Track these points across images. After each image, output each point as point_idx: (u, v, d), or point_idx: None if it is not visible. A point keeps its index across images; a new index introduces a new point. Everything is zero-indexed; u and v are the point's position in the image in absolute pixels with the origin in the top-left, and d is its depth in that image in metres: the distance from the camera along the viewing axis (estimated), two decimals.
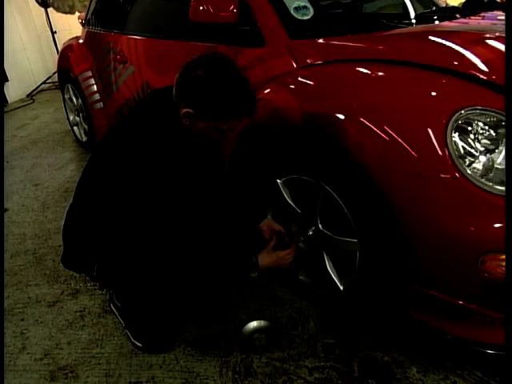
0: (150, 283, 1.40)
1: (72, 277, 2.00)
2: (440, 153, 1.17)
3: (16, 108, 5.26)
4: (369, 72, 1.43)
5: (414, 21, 1.93)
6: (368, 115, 1.30)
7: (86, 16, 3.35)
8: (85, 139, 3.59)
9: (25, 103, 5.44)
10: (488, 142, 1.19)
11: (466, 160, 1.17)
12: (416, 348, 1.48)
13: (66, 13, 5.60)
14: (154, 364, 1.52)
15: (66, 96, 3.69)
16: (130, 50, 2.63)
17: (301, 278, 1.74)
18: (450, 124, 1.18)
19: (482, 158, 1.17)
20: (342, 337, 1.56)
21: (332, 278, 1.60)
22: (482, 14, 2.03)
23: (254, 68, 1.71)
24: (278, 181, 1.66)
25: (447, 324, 1.33)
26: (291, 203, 1.67)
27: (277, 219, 1.69)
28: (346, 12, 2.05)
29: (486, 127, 1.19)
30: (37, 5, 5.43)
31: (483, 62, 1.36)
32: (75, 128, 3.74)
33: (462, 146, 1.18)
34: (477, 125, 1.19)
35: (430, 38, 1.61)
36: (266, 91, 1.60)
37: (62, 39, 4.39)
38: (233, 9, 1.69)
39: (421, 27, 1.84)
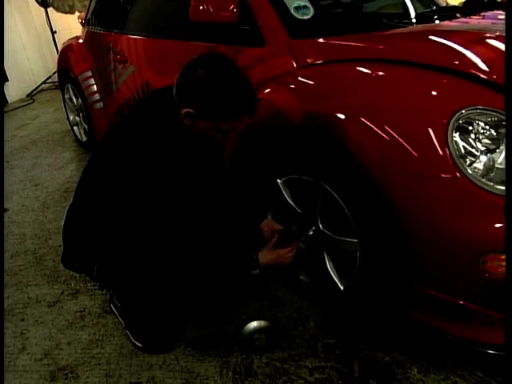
0: (150, 283, 1.40)
1: (72, 277, 2.00)
2: (441, 152, 1.17)
3: (16, 108, 5.26)
4: (369, 72, 1.43)
5: (414, 20, 1.93)
6: (368, 115, 1.30)
7: (86, 16, 3.35)
8: (85, 139, 3.59)
9: (25, 103, 5.44)
10: (489, 142, 1.19)
11: (467, 160, 1.17)
12: (417, 348, 1.48)
13: (65, 12, 5.60)
14: (155, 364, 1.51)
15: (66, 96, 3.69)
16: (129, 50, 2.62)
17: (301, 278, 1.73)
18: (451, 124, 1.18)
19: (483, 158, 1.17)
20: (342, 337, 1.56)
21: (332, 278, 1.60)
22: (483, 14, 2.02)
23: (254, 68, 1.70)
24: (279, 181, 1.66)
25: (448, 324, 1.33)
26: (291, 203, 1.66)
27: (277, 219, 1.69)
28: (347, 11, 2.04)
29: (487, 127, 1.19)
30: (37, 5, 5.43)
31: (484, 61, 1.36)
32: (75, 128, 3.74)
33: (463, 146, 1.18)
34: (477, 124, 1.19)
35: (431, 37, 1.61)
36: (266, 91, 1.60)
37: (62, 39, 4.38)
38: (233, 8, 1.69)
39: (421, 27, 1.84)
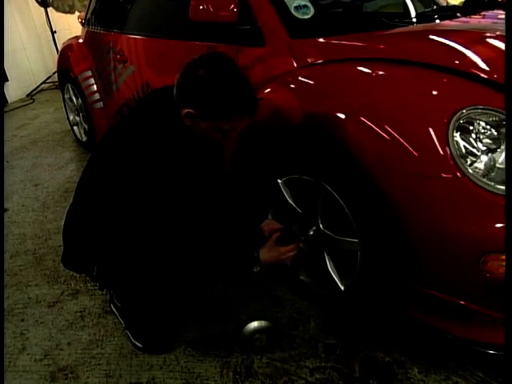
0: (151, 283, 1.40)
1: (72, 277, 2.00)
2: (441, 152, 1.16)
3: (16, 108, 5.26)
4: (369, 71, 1.42)
5: (414, 20, 1.93)
6: (369, 114, 1.29)
7: (86, 15, 3.35)
8: (85, 139, 3.59)
9: (25, 103, 5.44)
10: (490, 142, 1.18)
11: (468, 159, 1.17)
12: (417, 348, 1.47)
13: (65, 12, 5.61)
14: (155, 364, 1.51)
15: (66, 96, 3.69)
16: (129, 50, 2.62)
17: (302, 278, 1.73)
18: (452, 123, 1.17)
19: (484, 158, 1.17)
20: (342, 337, 1.55)
21: (333, 278, 1.60)
22: (483, 13, 2.02)
23: (255, 67, 1.70)
24: (279, 181, 1.65)
25: (448, 324, 1.33)
26: (292, 203, 1.66)
27: (277, 219, 1.68)
28: (347, 11, 2.04)
29: (488, 126, 1.19)
30: (36, 4, 5.44)
31: (484, 60, 1.36)
32: (75, 128, 3.74)
33: (464, 146, 1.18)
34: (478, 124, 1.19)
35: (431, 36, 1.61)
36: (267, 91, 1.60)
37: (62, 39, 4.38)
38: (233, 8, 1.69)
39: (422, 26, 1.84)
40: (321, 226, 1.58)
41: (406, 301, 1.40)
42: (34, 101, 5.54)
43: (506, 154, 1.10)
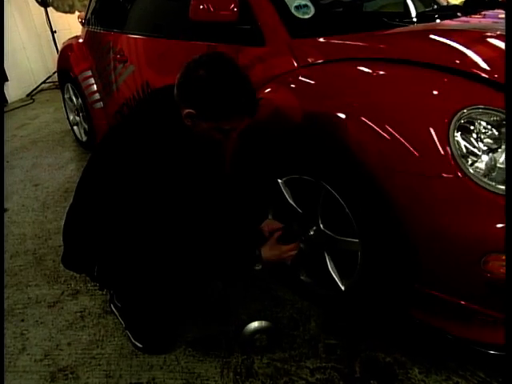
0: (151, 283, 1.40)
1: (72, 277, 1.99)
2: (442, 152, 1.16)
3: (16, 108, 5.25)
4: (370, 71, 1.42)
5: (415, 19, 1.92)
6: (369, 114, 1.29)
7: (86, 15, 3.34)
8: (85, 139, 3.58)
9: (25, 103, 5.43)
10: (491, 141, 1.18)
11: (469, 159, 1.16)
12: (418, 348, 1.47)
13: (65, 12, 5.60)
14: (155, 365, 1.51)
15: (66, 96, 3.68)
16: (129, 50, 2.62)
17: (302, 278, 1.73)
18: (453, 123, 1.17)
19: (485, 158, 1.17)
20: (343, 337, 1.55)
21: (333, 278, 1.59)
22: (483, 13, 2.02)
23: (255, 67, 1.70)
24: (279, 180, 1.65)
25: (449, 324, 1.33)
26: (292, 203, 1.66)
27: (278, 219, 1.68)
28: (347, 11, 2.03)
29: (489, 126, 1.19)
30: (36, 4, 5.43)
31: (485, 60, 1.35)
32: (75, 128, 3.74)
33: (465, 146, 1.18)
34: (479, 124, 1.19)
35: (432, 36, 1.60)
36: (267, 90, 1.59)
37: (62, 39, 4.38)
38: (233, 7, 1.68)
39: (422, 26, 1.83)
40: (321, 225, 1.58)
41: (406, 301, 1.40)
42: (33, 101, 5.54)
43: (506, 154, 1.10)
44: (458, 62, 1.36)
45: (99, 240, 1.37)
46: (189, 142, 1.31)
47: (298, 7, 1.74)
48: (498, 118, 1.18)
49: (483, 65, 1.33)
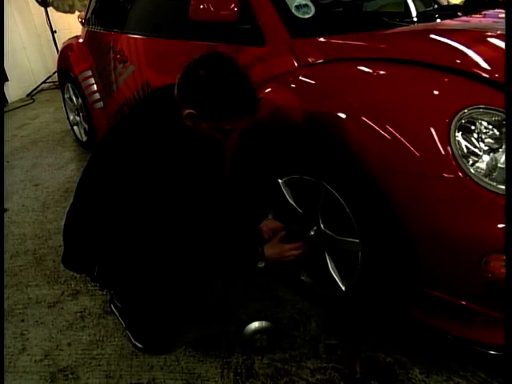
0: (152, 283, 1.40)
1: (72, 277, 1.99)
2: (443, 152, 1.16)
3: (16, 108, 5.25)
4: (370, 71, 1.42)
5: (415, 19, 1.92)
6: (370, 114, 1.29)
7: (86, 15, 3.34)
8: (85, 139, 3.58)
9: (25, 103, 5.43)
10: (492, 141, 1.18)
11: (470, 159, 1.16)
12: (419, 349, 1.47)
13: (65, 12, 5.59)
14: (155, 365, 1.51)
15: (66, 95, 3.68)
16: (130, 50, 2.62)
17: (302, 278, 1.73)
18: (453, 123, 1.17)
19: (486, 158, 1.16)
20: (344, 337, 1.55)
21: (334, 278, 1.59)
22: (484, 12, 2.02)
23: (255, 67, 1.69)
24: (280, 180, 1.65)
25: (450, 324, 1.32)
26: (292, 203, 1.66)
27: (278, 219, 1.68)
28: (348, 10, 2.03)
29: (490, 126, 1.18)
30: (36, 4, 5.43)
31: (485, 60, 1.35)
32: (75, 128, 3.73)
33: (466, 146, 1.17)
34: (480, 124, 1.18)
35: (432, 36, 1.60)
36: (267, 90, 1.59)
37: (62, 38, 4.38)
38: (233, 7, 1.68)
39: (422, 25, 1.83)
40: (322, 226, 1.57)
41: (407, 301, 1.39)
42: (34, 101, 5.53)
43: (506, 154, 1.10)
44: (458, 61, 1.36)
45: (100, 240, 1.37)
46: (189, 142, 1.31)
47: (298, 7, 1.74)
48: (498, 118, 1.18)
49: (484, 64, 1.33)
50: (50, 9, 5.45)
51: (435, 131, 1.18)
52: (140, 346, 1.56)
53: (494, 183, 1.13)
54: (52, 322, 1.75)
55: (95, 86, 3.20)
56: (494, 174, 1.15)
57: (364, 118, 1.29)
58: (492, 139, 1.18)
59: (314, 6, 1.77)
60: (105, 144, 1.45)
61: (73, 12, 5.58)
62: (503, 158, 1.16)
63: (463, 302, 1.25)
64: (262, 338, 1.57)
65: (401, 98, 1.30)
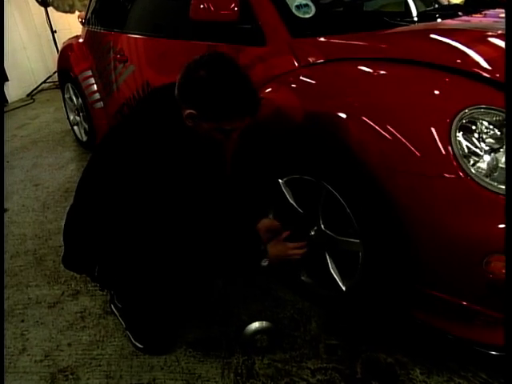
0: (153, 283, 1.40)
1: (72, 277, 1.99)
2: (444, 152, 1.16)
3: (16, 108, 5.25)
4: (371, 70, 1.42)
5: (416, 19, 1.92)
6: (370, 114, 1.29)
7: (86, 15, 3.34)
8: (85, 139, 3.58)
9: (25, 103, 5.43)
10: (493, 141, 1.18)
11: (471, 159, 1.16)
12: (419, 349, 1.47)
13: (65, 12, 5.59)
14: (156, 365, 1.51)
15: (66, 95, 3.68)
16: (130, 49, 2.61)
17: (303, 278, 1.73)
18: (454, 123, 1.17)
19: (487, 158, 1.16)
20: (344, 338, 1.55)
21: (334, 278, 1.59)
22: (484, 12, 2.01)
23: (255, 67, 1.69)
24: (280, 181, 1.65)
25: (451, 325, 1.32)
26: (293, 203, 1.65)
27: (278, 219, 1.68)
28: (348, 10, 2.03)
29: (491, 126, 1.18)
30: (37, 4, 5.42)
31: (486, 59, 1.35)
32: (75, 127, 3.73)
33: (467, 146, 1.17)
34: (481, 124, 1.18)
35: (433, 36, 1.60)
36: (268, 90, 1.59)
37: (62, 38, 4.38)
38: (234, 7, 1.68)
39: (423, 25, 1.83)
40: (322, 226, 1.57)
41: (407, 301, 1.39)
42: (34, 100, 5.53)
43: (506, 155, 1.10)
44: (459, 61, 1.36)
45: (100, 240, 1.37)
46: (190, 142, 1.31)
47: (298, 6, 1.73)
48: (500, 118, 1.17)
49: (485, 64, 1.33)
50: (50, 9, 5.45)
51: (436, 131, 1.18)
52: (140, 346, 1.56)
53: (495, 183, 1.13)
54: (52, 322, 1.75)
55: (95, 85, 3.20)
56: (495, 174, 1.15)
57: (365, 118, 1.28)
58: (493, 139, 1.18)
59: (314, 5, 1.77)
60: (105, 144, 1.45)
61: (73, 12, 5.57)
62: (504, 158, 1.15)
63: (464, 303, 1.25)
64: (263, 339, 1.57)
65: (401, 98, 1.30)
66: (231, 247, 1.38)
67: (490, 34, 1.58)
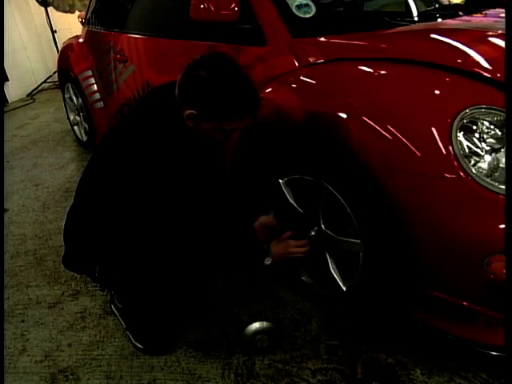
0: (153, 284, 1.40)
1: (72, 278, 1.99)
2: (444, 152, 1.15)
3: (16, 107, 5.25)
4: (371, 70, 1.41)
5: (416, 19, 1.92)
6: (371, 114, 1.29)
7: (86, 15, 3.34)
8: (85, 139, 3.58)
9: (25, 103, 5.43)
10: (493, 141, 1.17)
11: (471, 160, 1.16)
12: (420, 350, 1.47)
13: (65, 12, 5.58)
14: (156, 366, 1.50)
15: (67, 95, 3.68)
16: (130, 49, 2.61)
17: (303, 278, 1.72)
18: (455, 123, 1.17)
19: (488, 158, 1.16)
20: (345, 338, 1.55)
21: (335, 278, 1.59)
22: (485, 12, 2.01)
23: (256, 67, 1.69)
24: (280, 181, 1.64)
25: (451, 325, 1.32)
26: (293, 203, 1.65)
27: (279, 219, 1.67)
28: (348, 10, 2.03)
29: (492, 126, 1.18)
30: (37, 4, 5.42)
31: (487, 59, 1.35)
32: (75, 127, 3.73)
33: (467, 146, 1.17)
34: (482, 124, 1.18)
35: (433, 35, 1.60)
36: (268, 90, 1.59)
37: (62, 38, 4.38)
38: (234, 7, 1.68)
39: (423, 25, 1.83)
40: (322, 226, 1.57)
41: (408, 302, 1.39)
42: (34, 100, 5.54)
43: (506, 155, 1.10)
44: (459, 61, 1.35)
45: (100, 240, 1.37)
46: (190, 142, 1.31)
47: (299, 6, 1.73)
48: (500, 118, 1.17)
49: (485, 64, 1.33)
50: (50, 8, 5.45)
51: (437, 131, 1.18)
52: (140, 346, 1.56)
53: (496, 183, 1.12)
54: (52, 322, 1.75)
55: (95, 85, 3.20)
56: (496, 174, 1.14)
57: (365, 118, 1.28)
58: (494, 139, 1.18)
59: (314, 5, 1.76)
60: (105, 144, 1.45)
61: (73, 12, 5.57)
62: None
63: (465, 303, 1.25)
64: (263, 339, 1.56)
65: (402, 98, 1.30)
66: (234, 247, 1.38)
67: (490, 33, 1.58)
